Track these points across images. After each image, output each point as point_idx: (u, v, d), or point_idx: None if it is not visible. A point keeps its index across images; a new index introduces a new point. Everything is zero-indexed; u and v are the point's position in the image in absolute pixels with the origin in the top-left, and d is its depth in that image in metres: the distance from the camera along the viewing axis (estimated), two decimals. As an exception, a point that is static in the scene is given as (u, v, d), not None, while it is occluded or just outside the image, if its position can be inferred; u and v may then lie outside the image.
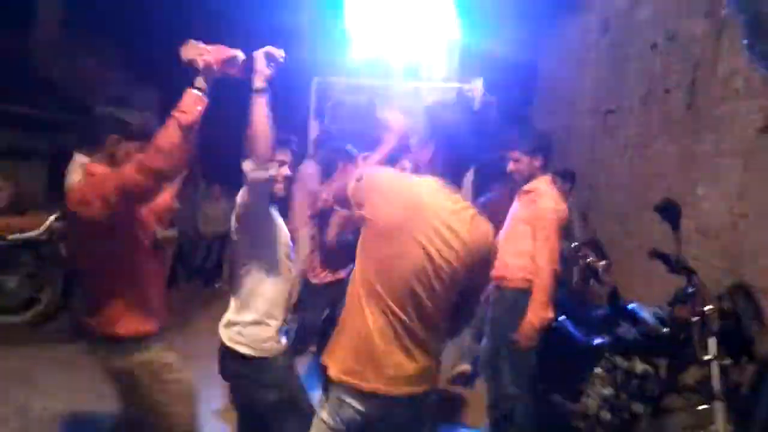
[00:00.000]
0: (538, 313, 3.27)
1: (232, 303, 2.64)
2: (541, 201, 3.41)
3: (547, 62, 9.28)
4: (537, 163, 3.48)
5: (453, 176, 2.11)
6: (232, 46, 2.35)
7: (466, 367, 4.70)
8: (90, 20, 8.74)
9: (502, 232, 3.54)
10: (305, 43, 7.15)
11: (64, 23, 8.67)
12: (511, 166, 3.53)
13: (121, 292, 2.45)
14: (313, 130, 6.05)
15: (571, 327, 3.67)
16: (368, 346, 2.05)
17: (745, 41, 3.18)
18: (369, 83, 6.14)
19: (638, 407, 3.18)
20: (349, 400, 2.07)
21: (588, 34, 7.41)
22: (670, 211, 3.19)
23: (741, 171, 3.81)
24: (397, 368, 2.05)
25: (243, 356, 2.54)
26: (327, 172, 4.12)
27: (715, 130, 4.20)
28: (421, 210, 2.02)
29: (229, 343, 2.58)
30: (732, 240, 3.81)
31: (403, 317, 2.04)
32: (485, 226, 2.11)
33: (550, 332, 3.60)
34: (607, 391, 3.28)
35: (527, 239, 3.38)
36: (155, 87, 10.29)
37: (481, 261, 2.11)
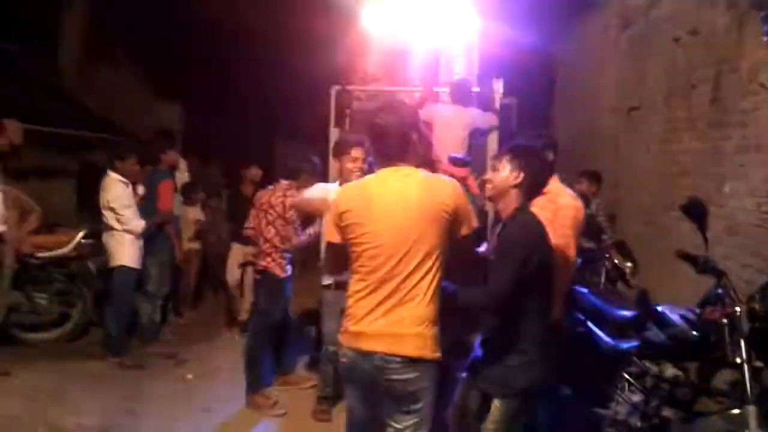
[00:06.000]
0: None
1: None
2: (561, 199, 3.28)
3: (568, 61, 9.19)
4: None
5: None
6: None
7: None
8: (115, 40, 8.93)
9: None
10: (326, 52, 7.18)
11: (90, 44, 8.84)
12: None
13: None
14: (333, 137, 6.08)
15: (598, 331, 3.60)
16: None
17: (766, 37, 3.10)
18: (387, 89, 6.16)
19: (669, 413, 3.10)
20: None
21: (608, 31, 7.30)
22: (696, 211, 3.09)
23: (769, 167, 3.71)
24: None
25: None
26: None
27: (741, 125, 4.10)
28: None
29: None
30: (762, 238, 3.71)
31: None
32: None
33: (575, 336, 3.54)
34: (637, 396, 3.21)
35: None
36: (179, 102, 10.54)
37: None
